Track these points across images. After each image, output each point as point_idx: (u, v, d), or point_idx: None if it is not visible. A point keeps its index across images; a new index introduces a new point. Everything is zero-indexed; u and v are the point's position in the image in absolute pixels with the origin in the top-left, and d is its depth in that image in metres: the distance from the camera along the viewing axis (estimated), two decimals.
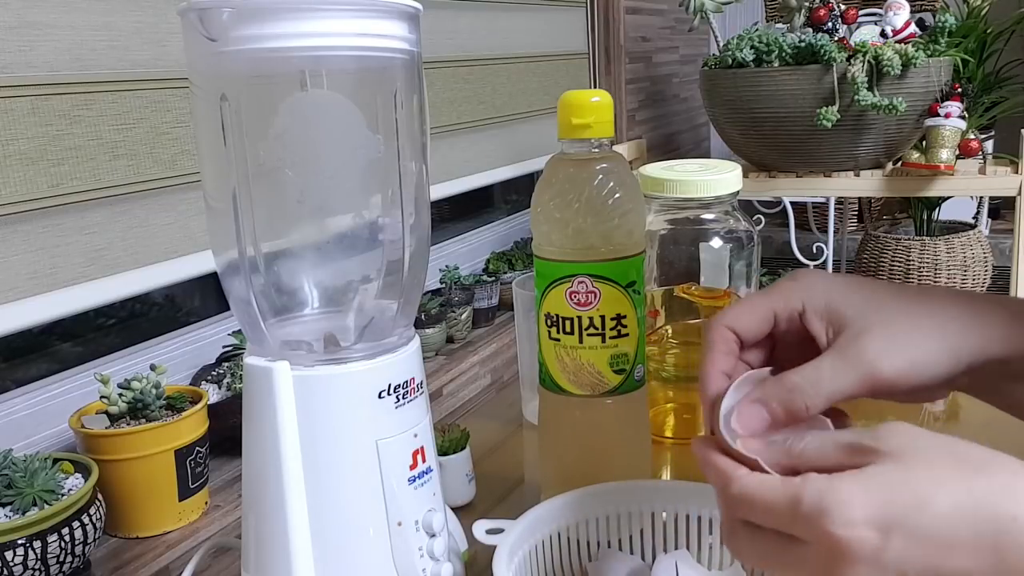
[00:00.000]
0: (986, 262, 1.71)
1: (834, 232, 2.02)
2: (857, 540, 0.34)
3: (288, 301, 0.52)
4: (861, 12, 1.60)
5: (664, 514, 0.57)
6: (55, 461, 0.70)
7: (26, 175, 0.74)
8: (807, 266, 2.02)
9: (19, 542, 0.63)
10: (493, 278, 1.42)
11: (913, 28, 1.49)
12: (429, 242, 0.54)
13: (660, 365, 0.81)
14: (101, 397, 0.77)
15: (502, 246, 1.62)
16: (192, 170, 0.88)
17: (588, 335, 0.60)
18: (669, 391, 0.83)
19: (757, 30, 1.51)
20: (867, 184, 1.54)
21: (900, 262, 1.72)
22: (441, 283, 1.36)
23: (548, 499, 0.57)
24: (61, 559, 0.66)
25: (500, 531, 0.52)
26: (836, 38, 1.47)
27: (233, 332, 1.00)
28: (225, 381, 0.93)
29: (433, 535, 0.50)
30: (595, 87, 1.78)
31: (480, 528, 0.53)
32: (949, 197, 1.69)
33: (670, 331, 0.80)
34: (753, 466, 0.39)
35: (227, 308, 0.91)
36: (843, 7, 1.53)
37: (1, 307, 0.73)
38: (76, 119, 0.77)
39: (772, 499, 0.36)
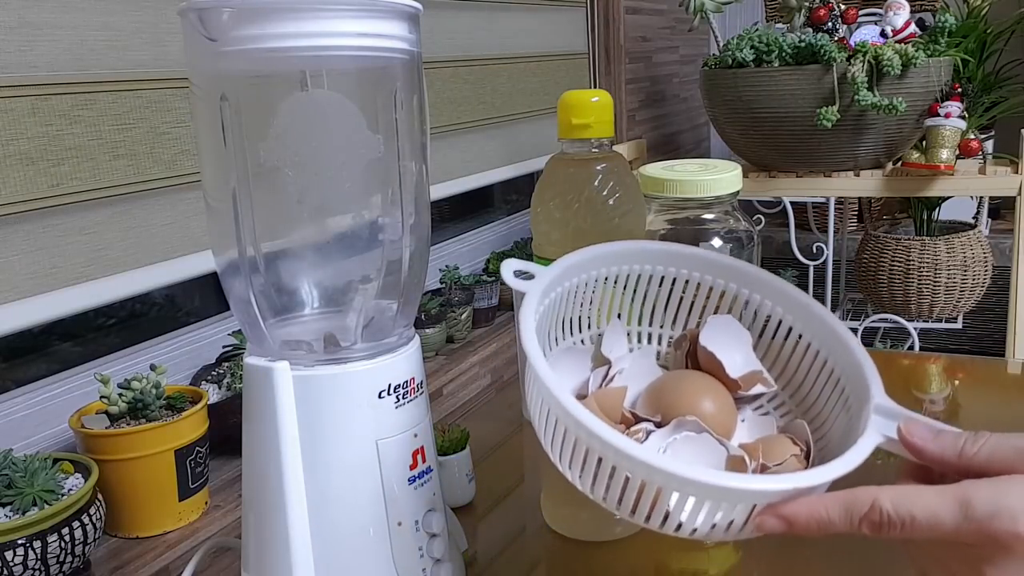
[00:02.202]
0: (986, 262, 1.71)
1: (834, 232, 2.02)
2: None
3: (288, 301, 0.52)
4: (861, 12, 1.60)
5: (704, 282, 0.53)
6: (55, 461, 0.70)
7: (26, 175, 0.74)
8: (807, 266, 2.02)
9: (19, 542, 0.63)
10: (493, 278, 1.42)
11: (913, 28, 1.49)
12: (429, 242, 0.54)
13: None
14: (101, 397, 0.77)
15: (502, 246, 1.62)
16: (192, 170, 0.88)
17: None
18: None
19: (757, 30, 1.51)
20: (867, 184, 1.54)
21: (900, 262, 1.72)
22: (441, 283, 1.36)
23: (586, 248, 0.51)
24: (61, 559, 0.66)
25: (530, 276, 0.47)
26: (836, 38, 1.47)
27: (233, 332, 1.00)
28: (225, 381, 0.93)
29: (433, 535, 0.50)
30: (595, 87, 1.78)
31: (508, 269, 0.47)
32: (949, 197, 1.69)
33: None
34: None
35: (227, 308, 0.91)
36: (843, 7, 1.53)
37: (1, 307, 0.73)
38: (76, 119, 0.77)
39: (938, 508, 0.35)
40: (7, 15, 0.72)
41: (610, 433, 0.37)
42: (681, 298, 0.55)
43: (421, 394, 0.51)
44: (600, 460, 0.38)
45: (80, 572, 0.70)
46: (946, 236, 1.71)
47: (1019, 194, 1.42)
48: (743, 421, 0.50)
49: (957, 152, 1.44)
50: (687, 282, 0.54)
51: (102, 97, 0.79)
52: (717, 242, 0.69)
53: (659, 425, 0.47)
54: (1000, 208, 2.25)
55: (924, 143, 1.48)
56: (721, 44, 1.58)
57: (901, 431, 0.40)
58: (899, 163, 1.53)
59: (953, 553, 0.37)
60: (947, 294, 1.71)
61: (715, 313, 0.54)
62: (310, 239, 0.51)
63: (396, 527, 0.49)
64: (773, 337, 0.52)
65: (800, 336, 0.51)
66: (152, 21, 0.83)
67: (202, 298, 1.06)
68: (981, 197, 1.87)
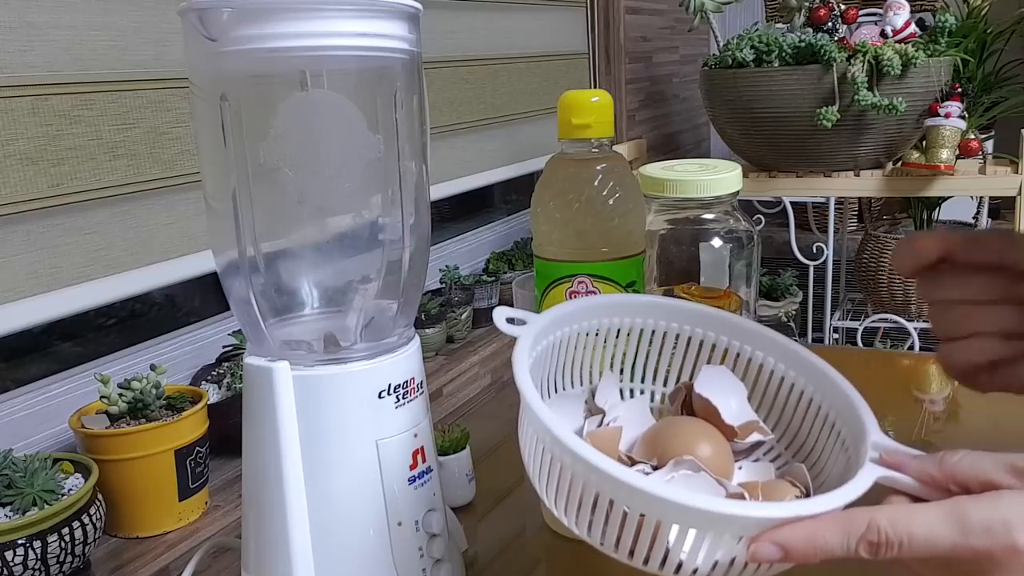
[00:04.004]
0: None
1: (834, 232, 2.02)
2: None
3: (288, 301, 0.52)
4: (861, 12, 1.60)
5: (695, 335, 0.53)
6: (55, 461, 0.70)
7: (26, 175, 0.74)
8: (807, 266, 2.02)
9: (19, 542, 0.63)
10: (493, 278, 1.42)
11: (913, 28, 1.49)
12: (429, 242, 0.54)
13: None
14: (101, 397, 0.77)
15: (502, 246, 1.62)
16: (192, 170, 0.88)
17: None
18: None
19: (757, 30, 1.51)
20: (867, 184, 1.54)
21: None
22: (441, 283, 1.36)
23: (577, 299, 0.52)
24: (61, 559, 0.66)
25: (523, 322, 0.47)
26: (836, 38, 1.47)
27: (233, 332, 1.00)
28: (225, 381, 0.93)
29: (433, 535, 0.50)
30: (595, 87, 1.78)
31: (500, 316, 0.47)
32: (949, 197, 1.69)
33: None
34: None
35: (227, 308, 0.91)
36: (843, 7, 1.53)
37: (1, 307, 0.73)
38: (76, 119, 0.77)
39: (935, 524, 0.35)
40: (7, 15, 0.72)
41: (607, 463, 0.37)
42: (673, 352, 0.54)
43: (421, 394, 0.51)
44: (597, 496, 0.38)
45: (80, 572, 0.70)
46: None
47: (1019, 194, 1.42)
48: (740, 469, 0.50)
49: (957, 152, 1.44)
50: (678, 336, 0.54)
51: (102, 97, 0.79)
52: (717, 242, 0.69)
53: (656, 468, 0.46)
54: (1000, 208, 2.25)
55: (924, 143, 1.48)
56: (721, 44, 1.58)
57: (883, 456, 0.41)
58: (899, 163, 1.53)
59: (946, 571, 0.36)
60: None
61: (708, 364, 0.54)
62: (310, 239, 0.51)
63: (396, 527, 0.49)
64: (766, 387, 0.52)
65: (793, 385, 0.51)
66: (152, 21, 0.83)
67: (202, 298, 1.06)
68: (981, 197, 1.87)
